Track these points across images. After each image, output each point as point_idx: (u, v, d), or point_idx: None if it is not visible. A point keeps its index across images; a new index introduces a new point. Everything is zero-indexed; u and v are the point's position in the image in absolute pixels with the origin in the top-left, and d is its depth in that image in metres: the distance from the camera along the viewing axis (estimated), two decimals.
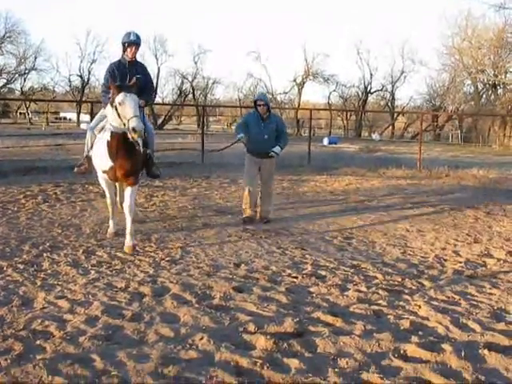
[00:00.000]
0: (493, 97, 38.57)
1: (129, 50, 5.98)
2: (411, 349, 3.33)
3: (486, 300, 4.30)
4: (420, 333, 3.58)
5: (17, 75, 50.35)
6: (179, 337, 3.42)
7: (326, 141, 30.01)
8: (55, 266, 4.89)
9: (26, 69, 50.00)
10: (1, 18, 47.13)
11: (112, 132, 5.45)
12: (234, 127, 7.38)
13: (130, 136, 5.18)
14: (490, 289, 4.60)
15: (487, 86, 39.01)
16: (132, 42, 5.96)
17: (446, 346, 3.35)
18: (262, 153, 7.23)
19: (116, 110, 5.26)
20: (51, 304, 3.95)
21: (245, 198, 7.31)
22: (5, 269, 4.74)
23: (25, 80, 51.88)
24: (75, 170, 6.69)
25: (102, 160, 5.72)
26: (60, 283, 4.43)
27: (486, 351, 3.30)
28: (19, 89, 52.44)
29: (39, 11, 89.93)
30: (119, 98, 5.18)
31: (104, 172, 5.84)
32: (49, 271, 4.75)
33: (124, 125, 5.19)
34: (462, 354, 3.23)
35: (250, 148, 7.36)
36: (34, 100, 49.71)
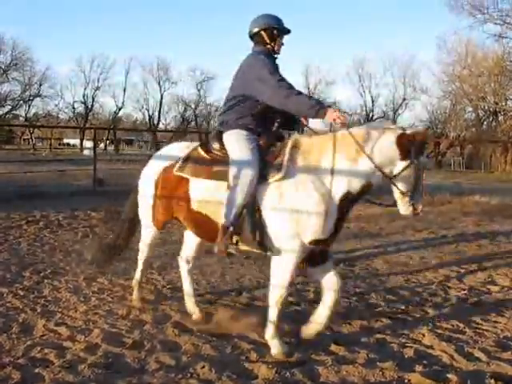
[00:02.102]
0: (494, 123, 38.79)
1: (278, 41, 3.98)
2: (415, 378, 3.28)
3: (491, 328, 4.25)
4: (424, 361, 3.53)
5: (21, 102, 50.94)
6: (180, 365, 3.39)
7: None
8: (56, 293, 4.86)
9: (30, 95, 50.62)
10: (8, 46, 47.78)
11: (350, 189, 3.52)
12: None
13: (407, 211, 3.58)
14: (494, 317, 4.56)
15: (488, 112, 39.27)
16: (286, 32, 4.03)
17: (452, 376, 3.30)
18: None
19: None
20: (51, 331, 3.91)
21: None
22: (5, 295, 4.70)
23: (29, 106, 52.53)
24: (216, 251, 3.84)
25: (318, 224, 3.49)
26: (60, 310, 4.39)
27: (492, 381, 3.25)
28: (23, 115, 53.01)
29: (44, 39, 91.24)
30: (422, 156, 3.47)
31: (314, 243, 3.56)
32: (49, 298, 4.72)
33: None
34: (468, 383, 3.18)
35: None
36: (37, 126, 50.16)
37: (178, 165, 4.02)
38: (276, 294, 3.61)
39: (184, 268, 4.57)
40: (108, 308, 4.48)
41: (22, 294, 4.78)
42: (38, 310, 4.35)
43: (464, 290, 5.40)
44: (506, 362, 3.55)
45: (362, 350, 3.70)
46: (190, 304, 4.38)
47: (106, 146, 55.31)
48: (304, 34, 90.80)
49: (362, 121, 49.40)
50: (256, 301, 4.78)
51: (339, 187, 3.49)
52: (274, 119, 3.90)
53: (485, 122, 40.88)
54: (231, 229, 3.59)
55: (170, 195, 4.10)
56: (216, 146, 3.93)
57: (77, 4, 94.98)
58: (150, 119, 53.99)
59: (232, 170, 3.66)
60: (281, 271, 3.60)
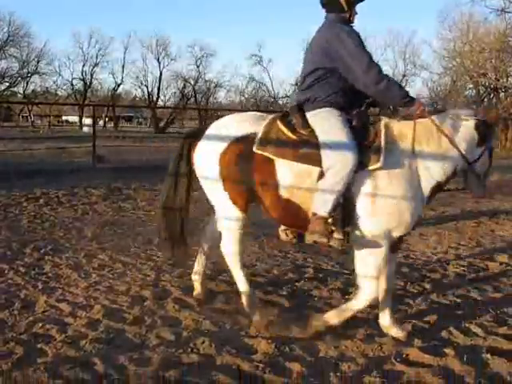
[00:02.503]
0: (495, 100, 38.56)
1: (353, 8, 3.59)
2: (414, 353, 3.32)
3: (489, 304, 4.28)
4: (422, 336, 3.56)
5: (19, 79, 50.54)
6: (181, 340, 3.42)
7: None
8: (56, 269, 4.88)
9: (28, 72, 50.20)
10: (4, 22, 47.21)
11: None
12: None
13: (482, 192, 3.65)
14: (492, 292, 4.59)
15: (489, 89, 39.00)
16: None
17: (449, 350, 3.34)
18: None
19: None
20: (52, 307, 3.94)
21: None
22: (6, 272, 4.73)
23: (27, 83, 52.14)
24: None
25: (411, 217, 3.39)
26: (61, 286, 4.42)
27: (488, 355, 3.29)
28: (22, 92, 52.64)
29: (42, 14, 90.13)
30: None
31: (402, 229, 3.44)
32: (50, 274, 4.74)
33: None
34: (465, 358, 3.22)
35: None
36: (36, 103, 49.86)
37: (257, 141, 3.51)
38: (370, 285, 3.41)
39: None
40: (108, 284, 4.50)
41: (23, 270, 4.81)
42: (40, 287, 4.38)
43: (462, 266, 5.43)
44: (501, 336, 3.59)
45: (360, 325, 3.74)
46: (197, 283, 4.20)
47: (105, 122, 55.13)
48: (303, 10, 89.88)
49: None
50: (257, 277, 4.80)
51: (431, 177, 3.38)
52: (361, 97, 3.51)
53: (485, 99, 40.64)
54: (329, 219, 3.29)
55: (248, 174, 3.57)
56: (298, 123, 3.51)
57: None
58: (149, 96, 53.65)
59: (326, 154, 3.29)
60: (371, 263, 3.37)
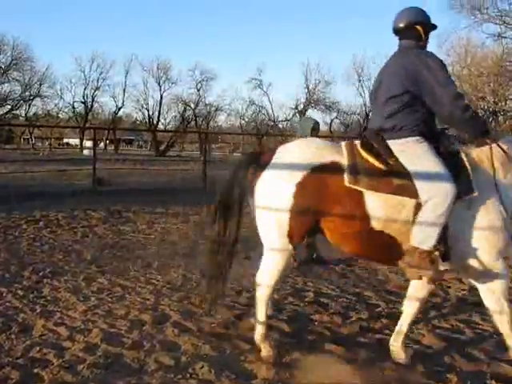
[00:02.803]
0: (493, 123, 38.79)
1: (427, 38, 3.61)
2: (416, 378, 3.27)
3: (491, 328, 4.23)
4: (424, 362, 3.52)
5: (21, 101, 50.90)
6: (180, 365, 3.38)
7: None
8: (55, 293, 4.85)
9: (30, 95, 50.56)
10: (8, 46, 47.73)
11: None
12: None
13: None
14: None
15: (487, 112, 39.27)
16: (435, 28, 3.65)
17: (452, 376, 3.30)
18: None
19: None
20: (50, 331, 3.90)
21: None
22: (4, 295, 4.70)
23: (29, 106, 52.50)
24: None
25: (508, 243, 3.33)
26: (60, 310, 4.38)
27: (493, 381, 3.25)
28: (23, 115, 53.00)
29: (44, 39, 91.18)
30: None
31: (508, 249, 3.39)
32: (49, 297, 4.71)
33: None
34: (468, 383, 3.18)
35: None
36: (37, 126, 50.17)
37: (348, 175, 3.29)
38: (504, 319, 3.28)
39: (263, 292, 3.59)
40: (107, 308, 4.47)
41: (21, 293, 4.77)
42: (38, 310, 4.35)
43: (464, 289, 5.39)
44: (506, 362, 3.54)
45: (361, 350, 3.70)
46: (259, 336, 3.62)
47: (105, 145, 55.35)
48: (303, 35, 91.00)
49: (361, 121, 49.33)
50: None
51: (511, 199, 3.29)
52: (435, 126, 3.50)
53: None
54: (435, 252, 3.19)
55: (323, 206, 3.32)
56: (384, 152, 3.36)
57: (76, 3, 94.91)
58: (149, 119, 53.97)
59: (422, 186, 3.18)
60: (499, 288, 3.25)
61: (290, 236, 3.41)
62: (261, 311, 3.59)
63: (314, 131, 6.39)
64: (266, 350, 3.53)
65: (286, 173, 3.40)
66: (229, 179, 3.69)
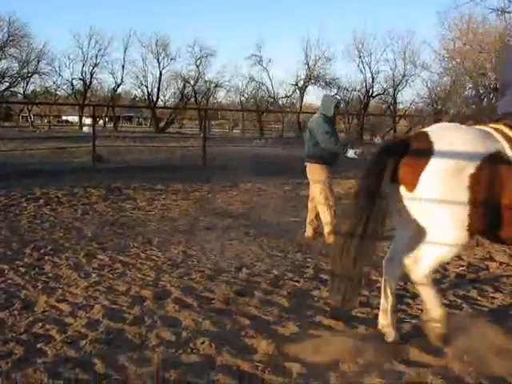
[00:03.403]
0: (494, 100, 38.56)
1: None
2: (414, 353, 3.31)
3: (489, 304, 4.28)
4: (422, 336, 3.55)
5: (19, 79, 50.46)
6: (180, 341, 3.42)
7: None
8: (56, 270, 4.88)
9: (28, 72, 50.07)
10: (4, 23, 47.16)
11: None
12: (326, 134, 6.06)
13: None
14: (492, 293, 4.59)
15: (488, 89, 39.02)
16: None
17: (449, 350, 3.33)
18: (335, 162, 6.52)
19: None
20: (52, 307, 3.94)
21: (332, 217, 6.29)
22: (6, 272, 4.73)
23: (27, 83, 51.97)
24: None
25: None
26: (61, 286, 4.42)
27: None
28: (22, 92, 52.58)
29: (42, 15, 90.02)
30: None
31: None
32: (50, 274, 4.74)
33: None
34: (465, 358, 3.21)
35: (329, 159, 6.38)
36: (36, 103, 49.78)
37: None
38: None
39: (391, 273, 3.56)
40: (108, 284, 4.50)
41: (23, 270, 4.81)
42: (39, 287, 4.38)
43: (462, 266, 5.43)
44: (502, 334, 3.57)
45: (360, 325, 3.74)
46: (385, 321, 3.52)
47: (105, 122, 55.05)
48: (303, 10, 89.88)
49: (362, 97, 49.04)
50: (256, 276, 4.80)
51: None
52: None
53: (485, 99, 40.66)
54: None
55: (500, 197, 3.14)
56: None
57: None
58: (148, 96, 53.54)
59: None
60: None
61: (470, 230, 3.21)
62: (434, 305, 3.45)
63: (337, 109, 6.40)
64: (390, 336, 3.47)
65: (457, 164, 3.16)
66: (371, 168, 3.40)
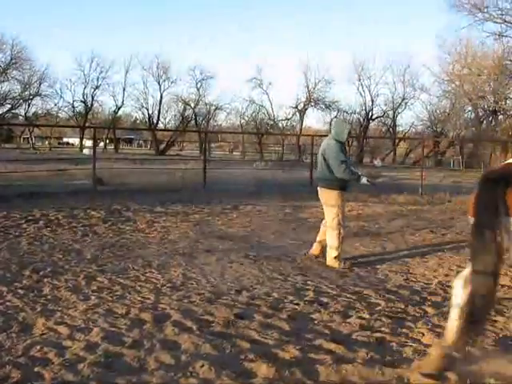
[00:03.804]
0: (493, 123, 38.81)
1: None
2: (415, 377, 3.28)
3: (491, 327, 4.25)
4: (424, 360, 3.52)
5: (21, 101, 50.84)
6: (180, 364, 3.38)
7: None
8: (55, 292, 4.86)
9: (30, 94, 50.49)
10: (7, 45, 47.68)
11: None
12: (341, 164, 6.16)
13: None
14: (494, 316, 4.55)
15: (488, 112, 39.29)
16: None
17: (451, 375, 3.29)
18: (349, 187, 6.63)
19: None
20: (51, 330, 3.91)
21: (339, 243, 6.38)
22: (4, 294, 4.71)
23: (29, 105, 52.35)
24: None
25: None
26: (60, 309, 4.39)
27: (492, 380, 3.24)
28: (23, 114, 52.91)
29: (44, 38, 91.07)
30: None
31: None
32: (49, 297, 4.72)
33: None
34: (468, 382, 3.18)
35: (345, 184, 6.46)
36: (37, 125, 50.12)
37: None
38: None
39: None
40: (107, 307, 4.47)
41: (21, 292, 4.78)
42: (38, 309, 4.35)
43: None
44: (505, 361, 3.55)
45: (361, 348, 3.70)
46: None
47: (105, 145, 55.25)
48: (304, 34, 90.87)
49: (361, 120, 49.27)
50: (256, 299, 4.78)
51: None
52: None
53: (484, 122, 40.91)
54: None
55: None
56: None
57: (76, 2, 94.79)
58: (149, 118, 53.86)
59: None
60: None
61: None
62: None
63: (349, 135, 6.47)
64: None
65: None
66: (483, 203, 3.31)
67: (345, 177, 6.23)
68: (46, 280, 5.22)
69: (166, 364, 3.38)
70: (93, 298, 4.72)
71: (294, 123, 51.02)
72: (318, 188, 6.56)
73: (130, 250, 6.76)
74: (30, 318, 4.15)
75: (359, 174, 6.42)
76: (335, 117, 47.77)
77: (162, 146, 51.07)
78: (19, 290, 4.84)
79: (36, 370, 3.25)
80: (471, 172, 31.48)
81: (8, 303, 4.48)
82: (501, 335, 4.07)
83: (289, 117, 50.60)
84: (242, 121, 52.29)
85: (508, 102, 35.46)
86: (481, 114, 40.17)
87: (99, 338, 3.75)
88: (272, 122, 50.15)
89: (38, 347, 3.57)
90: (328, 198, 6.44)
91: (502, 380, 3.25)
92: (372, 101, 49.20)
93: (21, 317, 4.16)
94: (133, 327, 4.00)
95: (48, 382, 3.10)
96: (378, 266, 6.33)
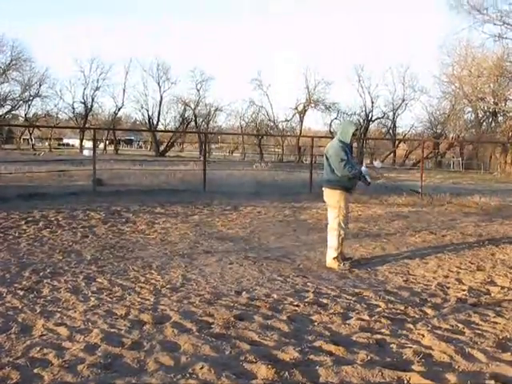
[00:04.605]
0: (493, 124, 38.86)
1: None
2: (415, 378, 3.27)
3: (491, 329, 4.24)
4: (423, 362, 3.52)
5: (21, 102, 50.92)
6: (179, 366, 3.38)
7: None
8: (55, 293, 4.85)
9: (30, 95, 50.61)
10: (8, 47, 47.75)
11: None
12: (341, 161, 6.12)
13: None
14: (494, 317, 4.55)
15: (487, 113, 39.34)
16: None
17: (451, 376, 3.29)
18: (354, 188, 6.65)
19: None
20: (50, 331, 3.90)
21: (339, 244, 6.39)
22: (4, 295, 4.70)
23: (29, 106, 52.50)
24: None
25: None
26: (59, 310, 4.38)
27: (492, 382, 3.24)
28: (23, 115, 53.00)
29: (44, 39, 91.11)
30: None
31: None
32: (48, 298, 4.71)
33: None
34: None
35: (348, 185, 6.42)
36: (37, 126, 50.17)
37: None
38: None
39: None
40: (107, 308, 4.47)
41: (21, 293, 4.78)
42: (37, 310, 4.35)
43: (463, 290, 5.39)
44: (505, 362, 3.54)
45: (361, 350, 3.70)
46: None
47: (105, 146, 55.31)
48: (304, 35, 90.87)
49: (361, 121, 49.30)
50: (256, 301, 4.77)
51: None
52: None
53: (484, 123, 40.95)
54: None
55: None
56: None
57: (77, 4, 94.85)
58: (149, 119, 53.91)
59: None
60: None
61: None
62: None
63: (354, 136, 6.45)
64: None
65: None
66: None
67: (345, 173, 6.20)
68: (45, 281, 5.21)
69: (165, 365, 3.38)
70: (92, 299, 4.71)
71: (294, 124, 51.08)
72: (323, 188, 6.57)
73: (130, 251, 6.76)
74: (30, 319, 4.15)
75: (358, 168, 6.40)
76: (335, 118, 47.86)
77: (162, 147, 51.09)
78: (19, 291, 4.83)
79: (35, 371, 3.24)
80: (471, 173, 31.55)
81: (7, 304, 4.48)
82: (501, 337, 4.07)
83: (289, 118, 50.65)
84: (242, 122, 52.34)
85: (508, 103, 35.47)
86: (480, 115, 40.22)
87: (99, 339, 3.75)
88: (272, 124, 50.17)
89: (38, 348, 3.57)
90: (330, 198, 6.44)
91: (502, 382, 3.25)
92: (372, 102, 49.30)
93: (20, 318, 4.15)
94: (132, 328, 4.00)
95: (47, 383, 3.09)
96: (377, 268, 6.33)
